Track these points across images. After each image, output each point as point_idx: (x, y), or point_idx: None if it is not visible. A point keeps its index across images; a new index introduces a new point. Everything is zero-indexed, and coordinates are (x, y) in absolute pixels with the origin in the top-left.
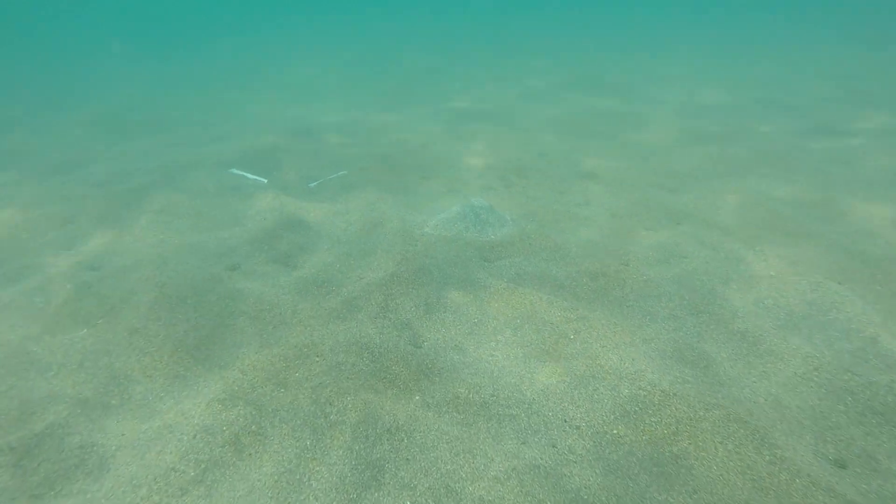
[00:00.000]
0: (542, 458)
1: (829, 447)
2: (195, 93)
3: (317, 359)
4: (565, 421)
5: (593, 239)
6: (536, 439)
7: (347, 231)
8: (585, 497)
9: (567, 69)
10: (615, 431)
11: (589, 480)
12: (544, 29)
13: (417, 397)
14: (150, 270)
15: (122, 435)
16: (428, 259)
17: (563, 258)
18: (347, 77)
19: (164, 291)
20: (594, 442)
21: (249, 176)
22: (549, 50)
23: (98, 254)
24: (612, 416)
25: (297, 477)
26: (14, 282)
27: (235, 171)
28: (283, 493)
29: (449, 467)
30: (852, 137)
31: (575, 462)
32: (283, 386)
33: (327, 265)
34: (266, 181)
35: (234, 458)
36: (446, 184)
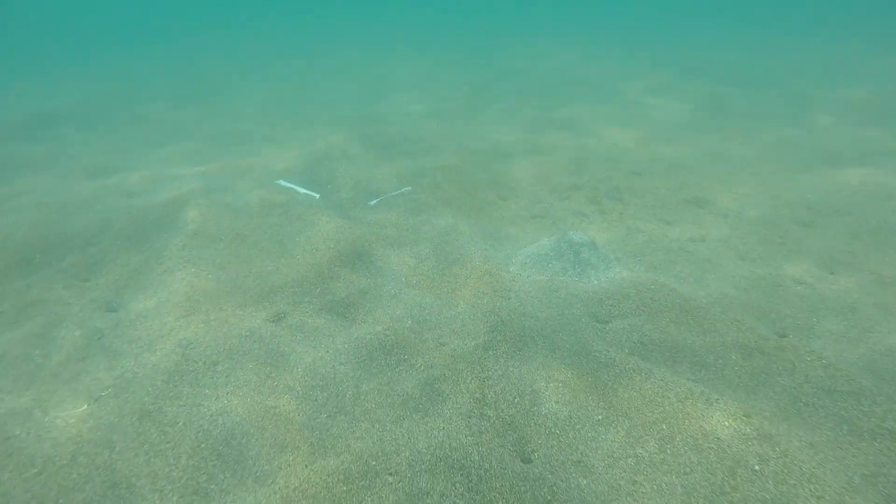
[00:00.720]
0: None
1: None
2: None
3: (390, 479)
4: None
5: (727, 292)
6: None
7: (418, 270)
8: None
9: (667, 69)
10: None
11: None
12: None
13: None
14: (173, 320)
15: None
16: (527, 320)
17: (697, 321)
18: (428, 75)
19: (187, 355)
20: None
21: (300, 190)
22: (645, 46)
23: (118, 288)
24: None
25: None
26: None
27: (284, 182)
28: None
29: None
30: None
31: None
32: None
33: (396, 320)
34: (318, 196)
35: None
36: (528, 206)
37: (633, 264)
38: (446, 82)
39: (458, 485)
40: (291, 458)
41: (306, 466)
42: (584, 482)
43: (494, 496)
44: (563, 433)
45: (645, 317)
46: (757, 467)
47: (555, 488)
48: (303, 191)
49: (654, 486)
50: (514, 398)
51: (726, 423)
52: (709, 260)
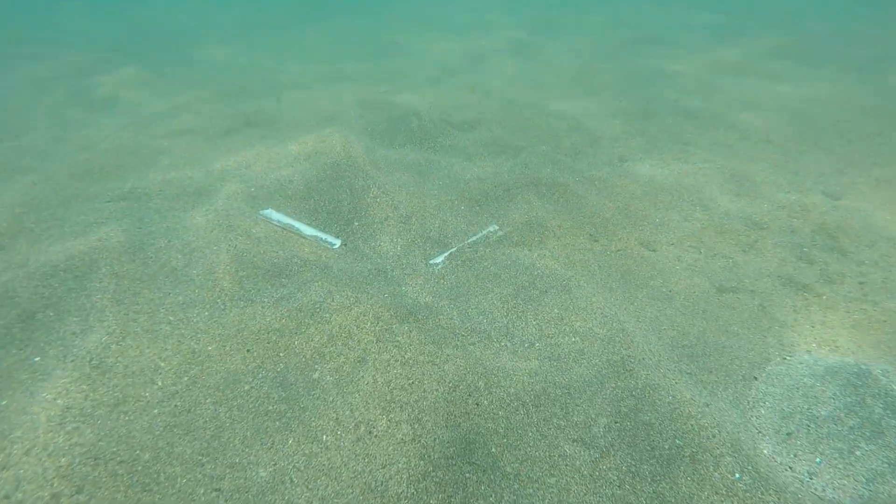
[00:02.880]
0: None
1: None
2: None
3: None
4: None
5: None
6: None
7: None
8: None
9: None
10: None
11: None
12: None
13: None
14: None
15: None
16: None
17: None
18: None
19: None
20: None
21: (305, 231)
22: None
23: None
24: None
25: None
26: None
27: (275, 215)
28: None
29: None
30: None
31: None
32: None
33: None
34: (338, 244)
35: None
36: (703, 261)
37: None
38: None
39: None
40: None
41: None
42: None
43: None
44: None
45: None
46: None
47: None
48: (310, 232)
49: None
50: None
51: None
52: None
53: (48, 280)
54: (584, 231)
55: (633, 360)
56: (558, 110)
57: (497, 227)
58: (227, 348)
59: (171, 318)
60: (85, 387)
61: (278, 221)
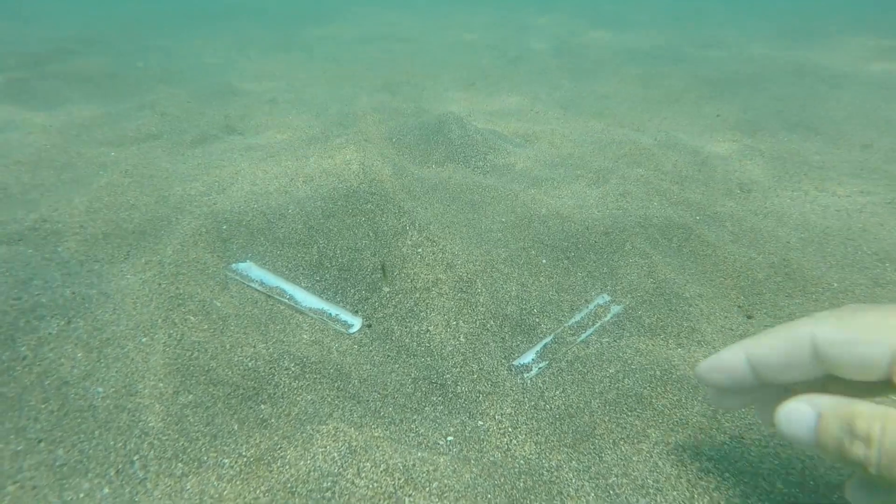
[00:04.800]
0: None
1: None
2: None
3: None
4: None
5: None
6: None
7: None
8: None
9: None
10: None
11: None
12: None
13: None
14: None
15: None
16: None
17: None
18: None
19: None
20: None
21: (303, 301)
22: None
23: None
24: None
25: None
26: None
27: (255, 271)
28: None
29: None
30: None
31: None
32: None
33: None
34: (357, 325)
35: None
36: None
37: None
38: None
39: None
40: None
41: None
42: None
43: None
44: None
45: None
46: None
47: None
48: (311, 304)
49: None
50: None
51: None
52: None
53: None
54: (732, 301)
55: None
56: (637, 120)
57: (609, 298)
58: None
59: None
60: None
61: (260, 283)
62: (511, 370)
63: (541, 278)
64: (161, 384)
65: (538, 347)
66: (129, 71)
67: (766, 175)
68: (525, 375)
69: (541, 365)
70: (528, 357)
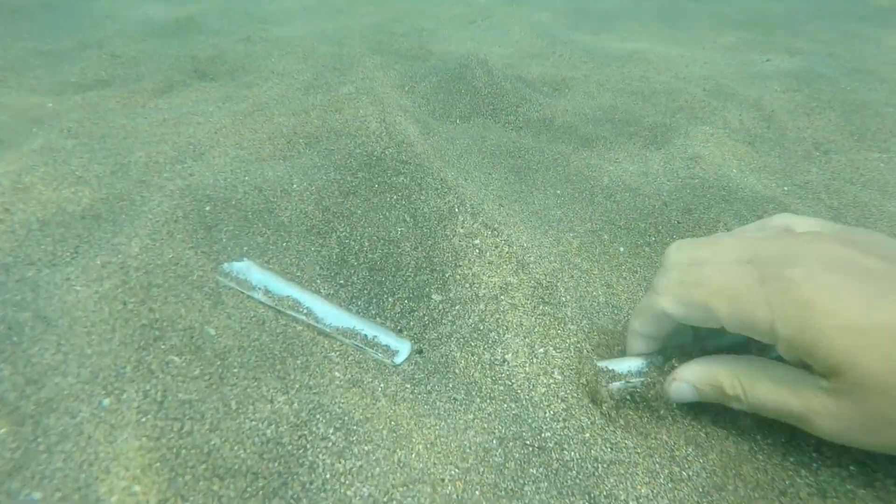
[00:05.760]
0: None
1: None
2: None
3: None
4: None
5: None
6: None
7: None
8: None
9: None
10: None
11: None
12: None
13: None
14: None
15: None
16: None
17: None
18: None
19: None
20: None
21: (326, 318)
22: None
23: None
24: None
25: None
26: None
27: (256, 274)
28: None
29: None
30: None
31: None
32: None
33: None
34: (404, 353)
35: None
36: None
37: None
38: None
39: None
40: None
41: None
42: None
43: None
44: None
45: None
46: None
47: None
48: (338, 322)
49: None
50: None
51: None
52: None
53: None
54: None
55: None
56: (675, 66)
57: None
58: None
59: None
60: None
61: (265, 292)
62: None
63: (624, 273)
64: (137, 486)
65: (636, 379)
66: (67, 1)
67: (841, 133)
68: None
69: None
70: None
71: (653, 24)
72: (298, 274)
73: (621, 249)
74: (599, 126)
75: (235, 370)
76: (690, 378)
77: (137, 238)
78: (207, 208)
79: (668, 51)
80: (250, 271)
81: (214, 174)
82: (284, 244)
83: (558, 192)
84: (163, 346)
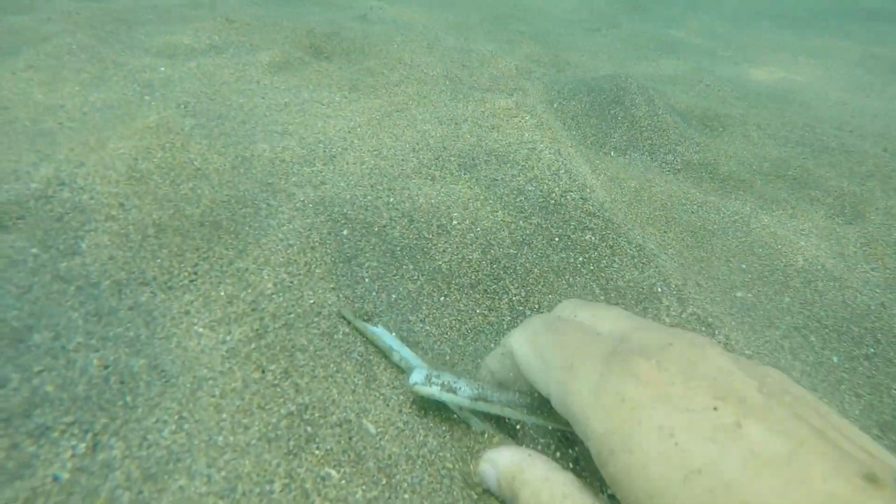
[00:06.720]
0: None
1: None
2: None
3: None
4: None
5: None
6: None
7: None
8: None
9: None
10: None
11: None
12: None
13: None
14: None
15: None
16: None
17: None
18: None
19: None
20: None
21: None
22: None
23: None
24: None
25: None
26: None
27: (406, 354)
28: None
29: None
30: None
31: None
32: None
33: None
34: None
35: None
36: None
37: None
38: None
39: None
40: None
41: None
42: None
43: None
44: None
45: None
46: None
47: None
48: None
49: None
50: None
51: None
52: None
53: None
54: None
55: None
56: (840, 115)
57: None
58: None
59: None
60: None
61: (436, 382)
62: None
63: (846, 396)
64: None
65: None
66: None
67: None
68: None
69: None
70: None
71: (801, 55)
72: (463, 357)
73: (835, 360)
74: (773, 183)
75: (406, 496)
76: (499, 463)
77: (269, 268)
78: (345, 232)
79: (824, 91)
80: (395, 344)
81: (351, 187)
82: (443, 298)
83: (743, 266)
84: (317, 452)
